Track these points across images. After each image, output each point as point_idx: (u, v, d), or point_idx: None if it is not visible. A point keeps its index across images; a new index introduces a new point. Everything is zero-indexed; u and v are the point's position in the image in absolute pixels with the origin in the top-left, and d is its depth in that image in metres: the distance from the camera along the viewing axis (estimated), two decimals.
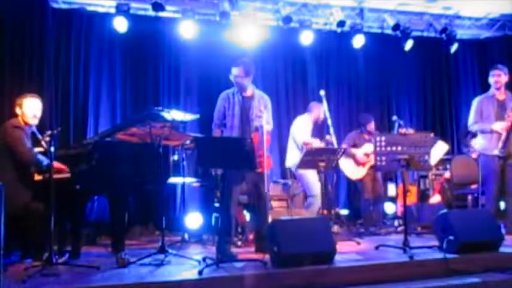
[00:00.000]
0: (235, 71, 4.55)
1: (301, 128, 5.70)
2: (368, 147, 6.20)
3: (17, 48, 6.12)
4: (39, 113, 4.35)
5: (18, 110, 4.27)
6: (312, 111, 5.86)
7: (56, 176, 3.93)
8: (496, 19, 7.90)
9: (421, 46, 7.94)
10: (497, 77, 5.39)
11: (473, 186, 6.23)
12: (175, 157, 4.79)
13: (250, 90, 4.64)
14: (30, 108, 4.29)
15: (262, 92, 4.79)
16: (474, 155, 6.24)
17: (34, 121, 4.31)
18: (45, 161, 4.14)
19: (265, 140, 4.28)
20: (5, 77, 6.02)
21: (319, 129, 6.43)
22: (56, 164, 4.09)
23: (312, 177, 5.48)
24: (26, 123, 4.27)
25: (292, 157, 5.64)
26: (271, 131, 4.86)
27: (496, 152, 5.24)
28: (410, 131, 5.83)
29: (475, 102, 5.54)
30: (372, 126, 6.46)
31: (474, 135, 6.36)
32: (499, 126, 5.23)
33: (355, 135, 6.44)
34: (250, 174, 4.48)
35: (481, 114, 5.41)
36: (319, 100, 5.76)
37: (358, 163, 6.25)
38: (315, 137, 5.92)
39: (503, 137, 5.20)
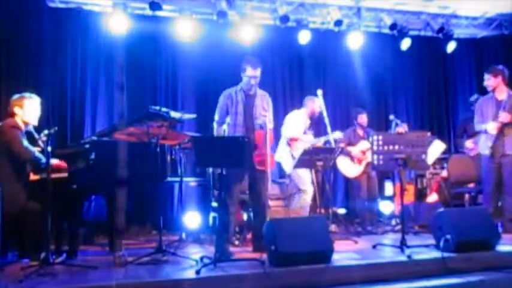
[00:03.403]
0: (258, 72, 4.56)
1: (291, 122, 5.71)
2: (363, 144, 6.24)
3: (13, 47, 6.09)
4: (39, 113, 4.37)
5: (17, 110, 4.24)
6: (307, 105, 5.87)
7: (53, 175, 3.92)
8: (492, 18, 7.91)
9: (418, 45, 7.96)
10: (486, 81, 5.50)
11: (471, 185, 6.25)
12: (173, 156, 4.78)
13: (254, 88, 4.66)
14: (32, 109, 4.30)
15: (263, 91, 4.80)
16: (473, 153, 6.26)
17: (35, 121, 4.32)
18: (43, 158, 4.13)
19: (269, 138, 4.30)
20: (1, 77, 5.99)
21: (317, 129, 6.44)
22: (55, 162, 4.09)
23: (302, 172, 5.51)
24: (26, 123, 4.26)
25: (280, 151, 5.71)
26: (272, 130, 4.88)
27: (486, 151, 5.29)
28: (404, 126, 5.86)
29: (477, 103, 5.66)
30: (363, 119, 6.48)
31: (470, 136, 6.41)
32: (491, 126, 5.28)
33: (349, 133, 6.48)
34: (251, 172, 4.48)
35: (482, 115, 5.47)
36: None
37: (355, 160, 6.28)
38: (314, 133, 5.97)
39: (493, 136, 5.25)
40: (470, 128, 6.31)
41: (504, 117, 5.20)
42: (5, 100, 5.65)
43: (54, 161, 4.08)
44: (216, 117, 4.65)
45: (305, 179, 5.55)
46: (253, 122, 4.59)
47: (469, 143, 6.41)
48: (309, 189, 5.54)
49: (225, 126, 4.65)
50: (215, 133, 4.65)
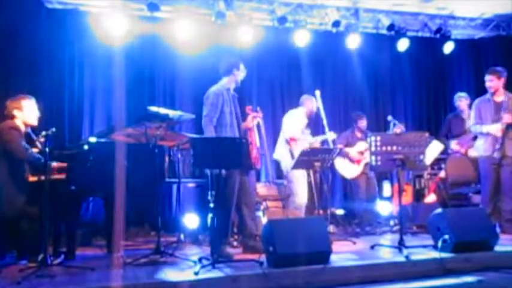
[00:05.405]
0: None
1: (291, 121, 5.70)
2: (361, 145, 6.26)
3: (10, 48, 6.08)
4: (38, 113, 4.37)
5: (17, 112, 4.22)
6: (305, 105, 5.85)
7: (52, 176, 3.92)
8: (490, 19, 7.93)
9: (416, 46, 7.96)
10: (489, 82, 5.46)
11: (469, 186, 6.26)
12: (171, 157, 4.78)
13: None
14: (31, 110, 4.29)
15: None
16: (468, 152, 6.28)
17: (36, 121, 4.31)
18: (42, 158, 4.12)
19: (256, 138, 4.33)
20: None
21: (315, 129, 6.44)
22: (55, 164, 4.08)
23: (300, 186, 5.49)
24: (26, 124, 4.25)
25: (279, 149, 5.71)
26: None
27: (495, 154, 5.29)
28: (401, 126, 5.88)
29: (474, 105, 5.63)
30: (363, 123, 6.57)
31: (454, 136, 6.44)
32: (494, 128, 5.27)
33: (348, 135, 6.54)
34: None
35: (480, 117, 5.46)
36: None
37: (353, 161, 6.29)
38: (312, 134, 5.97)
39: (499, 139, 5.25)
40: (455, 128, 6.35)
41: (507, 118, 5.21)
42: (2, 101, 5.64)
43: (54, 164, 4.07)
44: (211, 115, 4.43)
45: (300, 181, 5.52)
46: (239, 122, 4.62)
47: (454, 145, 6.44)
48: (301, 193, 5.53)
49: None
50: (210, 133, 4.39)
